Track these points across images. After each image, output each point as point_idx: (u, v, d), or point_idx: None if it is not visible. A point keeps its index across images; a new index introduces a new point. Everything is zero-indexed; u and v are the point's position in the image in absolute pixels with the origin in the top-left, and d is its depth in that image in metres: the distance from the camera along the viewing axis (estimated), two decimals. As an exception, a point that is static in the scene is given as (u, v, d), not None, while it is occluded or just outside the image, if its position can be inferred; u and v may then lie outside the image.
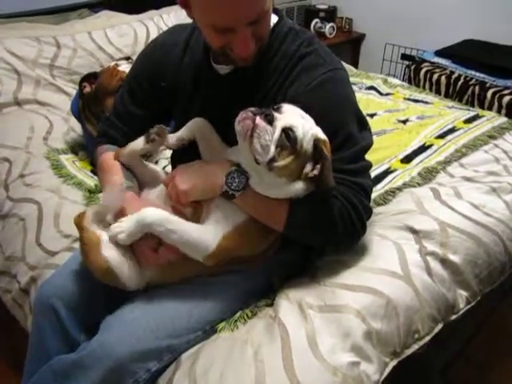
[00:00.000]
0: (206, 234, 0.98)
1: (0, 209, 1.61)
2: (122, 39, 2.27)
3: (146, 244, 1.02)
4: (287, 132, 0.91)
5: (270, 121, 0.91)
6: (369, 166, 1.10)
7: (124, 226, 0.98)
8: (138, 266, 1.05)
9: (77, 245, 1.37)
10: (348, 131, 1.03)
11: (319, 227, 1.02)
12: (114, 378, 0.96)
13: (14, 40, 2.06)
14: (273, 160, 0.91)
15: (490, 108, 2.36)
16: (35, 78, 2.03)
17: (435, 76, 2.63)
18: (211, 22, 0.95)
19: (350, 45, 3.59)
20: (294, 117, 0.94)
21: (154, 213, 0.98)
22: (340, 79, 1.07)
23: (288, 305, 1.04)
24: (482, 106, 2.41)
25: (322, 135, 0.97)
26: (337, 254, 1.16)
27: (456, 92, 2.54)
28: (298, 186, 0.97)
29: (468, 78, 2.55)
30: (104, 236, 1.02)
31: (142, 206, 1.01)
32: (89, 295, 1.12)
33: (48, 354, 1.10)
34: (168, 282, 1.07)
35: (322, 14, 3.49)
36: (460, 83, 2.54)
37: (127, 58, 1.75)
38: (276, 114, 0.93)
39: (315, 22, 3.41)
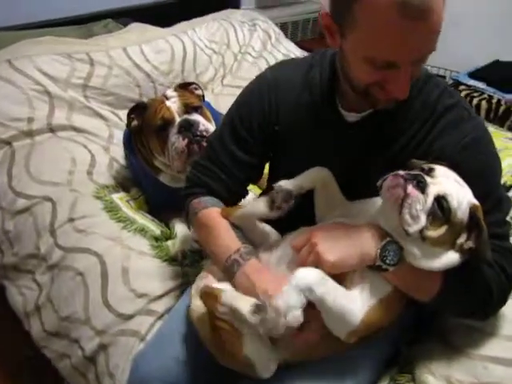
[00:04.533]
0: (355, 303, 0.86)
1: (47, 258, 1.41)
2: (158, 56, 2.05)
3: None
4: (440, 201, 0.84)
5: (423, 188, 0.83)
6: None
7: (282, 304, 0.81)
8: (273, 351, 0.91)
9: (157, 306, 1.24)
10: (498, 195, 0.98)
11: (473, 297, 0.93)
12: None
13: (44, 57, 1.82)
14: (423, 230, 0.83)
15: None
16: (68, 101, 1.79)
17: None
18: (373, 54, 0.81)
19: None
20: (448, 183, 0.86)
21: (311, 272, 0.85)
22: (489, 137, 0.99)
23: (435, 382, 0.95)
24: None
25: (474, 200, 0.88)
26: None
27: None
28: (453, 257, 0.87)
29: None
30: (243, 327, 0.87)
31: (272, 277, 0.90)
32: (193, 378, 0.99)
33: None
34: (300, 361, 0.95)
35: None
36: None
37: (187, 85, 1.51)
38: (428, 179, 0.84)
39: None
